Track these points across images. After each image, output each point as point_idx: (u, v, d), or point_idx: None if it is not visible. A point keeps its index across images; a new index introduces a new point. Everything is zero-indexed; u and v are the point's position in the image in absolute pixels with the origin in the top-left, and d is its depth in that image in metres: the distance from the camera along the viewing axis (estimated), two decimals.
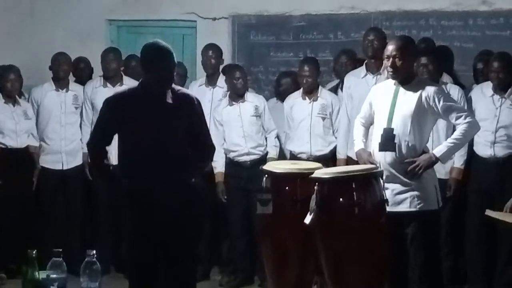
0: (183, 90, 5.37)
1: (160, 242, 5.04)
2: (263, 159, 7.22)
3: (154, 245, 5.03)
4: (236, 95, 7.42)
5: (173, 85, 5.17)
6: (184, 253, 5.18)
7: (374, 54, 6.82)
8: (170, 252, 5.09)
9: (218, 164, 7.43)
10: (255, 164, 6.91)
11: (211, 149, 5.42)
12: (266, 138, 7.44)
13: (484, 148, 6.81)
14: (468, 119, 5.57)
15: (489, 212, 5.40)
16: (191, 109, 5.20)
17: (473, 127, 5.64)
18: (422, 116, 5.58)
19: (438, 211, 5.70)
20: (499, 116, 6.77)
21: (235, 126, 7.39)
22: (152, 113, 5.05)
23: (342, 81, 7.50)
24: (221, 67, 7.91)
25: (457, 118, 5.57)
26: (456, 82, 7.20)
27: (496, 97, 6.81)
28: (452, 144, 5.60)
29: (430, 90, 5.59)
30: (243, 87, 7.43)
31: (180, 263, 5.15)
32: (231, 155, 7.42)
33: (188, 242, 5.23)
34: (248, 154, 7.37)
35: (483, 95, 6.89)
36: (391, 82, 5.73)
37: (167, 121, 5.06)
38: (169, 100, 5.09)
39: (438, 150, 5.57)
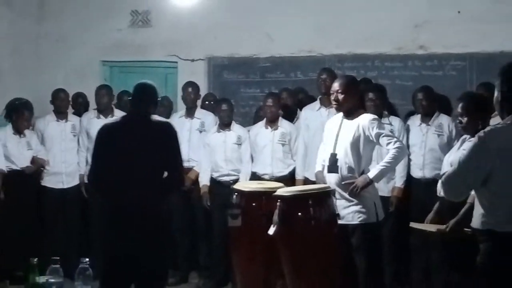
0: (162, 120, 5.23)
1: (129, 257, 4.82)
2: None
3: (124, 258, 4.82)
4: (223, 124, 7.45)
5: (154, 116, 5.09)
6: (153, 270, 4.92)
7: (326, 90, 6.69)
8: (140, 268, 4.86)
9: (204, 179, 7.45)
10: (233, 184, 6.72)
11: (178, 176, 5.16)
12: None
13: (416, 170, 6.90)
14: (396, 145, 5.50)
15: (413, 224, 5.39)
16: (166, 137, 5.05)
17: (401, 151, 5.58)
18: (359, 143, 5.56)
19: (377, 223, 5.64)
20: (426, 141, 6.86)
21: (219, 151, 7.40)
22: (129, 140, 4.94)
23: (289, 113, 7.54)
24: (198, 101, 7.95)
25: (387, 144, 5.51)
26: (393, 113, 7.26)
27: (423, 125, 6.93)
28: (383, 167, 5.52)
29: (365, 120, 5.57)
30: (228, 117, 7.45)
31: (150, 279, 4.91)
32: (214, 175, 7.42)
33: (155, 260, 4.92)
34: (228, 175, 7.37)
35: (414, 124, 7.01)
36: (340, 115, 5.75)
37: (142, 147, 4.92)
38: (146, 128, 4.99)
39: (371, 173, 5.51)
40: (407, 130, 6.99)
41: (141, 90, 5.12)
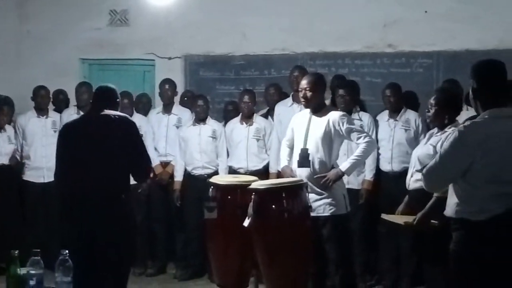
0: (121, 115, 5.15)
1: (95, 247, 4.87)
2: (216, 174, 7.14)
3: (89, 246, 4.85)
4: (198, 119, 7.42)
5: (112, 112, 5.07)
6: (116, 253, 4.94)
7: (298, 87, 6.73)
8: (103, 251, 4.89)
9: (178, 174, 7.43)
10: (208, 178, 6.76)
11: (143, 167, 5.19)
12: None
13: (384, 164, 6.90)
14: (366, 139, 5.58)
15: (384, 216, 5.37)
16: (125, 130, 5.06)
17: (371, 145, 5.68)
18: (330, 138, 5.60)
19: (347, 214, 5.71)
20: (393, 136, 6.86)
21: (194, 143, 7.37)
22: (89, 137, 5.00)
23: (271, 109, 7.52)
24: (175, 97, 7.91)
25: (358, 138, 5.58)
26: (363, 109, 7.26)
27: (391, 120, 6.92)
28: (354, 160, 5.61)
29: (335, 116, 5.62)
30: (203, 112, 7.44)
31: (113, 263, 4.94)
32: (189, 168, 7.39)
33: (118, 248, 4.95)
34: (203, 167, 7.34)
35: (382, 120, 7.01)
36: (307, 111, 5.76)
37: (102, 143, 4.96)
38: (104, 125, 5.02)
39: (343, 166, 5.59)
40: (376, 125, 6.99)
41: (101, 92, 5.29)
